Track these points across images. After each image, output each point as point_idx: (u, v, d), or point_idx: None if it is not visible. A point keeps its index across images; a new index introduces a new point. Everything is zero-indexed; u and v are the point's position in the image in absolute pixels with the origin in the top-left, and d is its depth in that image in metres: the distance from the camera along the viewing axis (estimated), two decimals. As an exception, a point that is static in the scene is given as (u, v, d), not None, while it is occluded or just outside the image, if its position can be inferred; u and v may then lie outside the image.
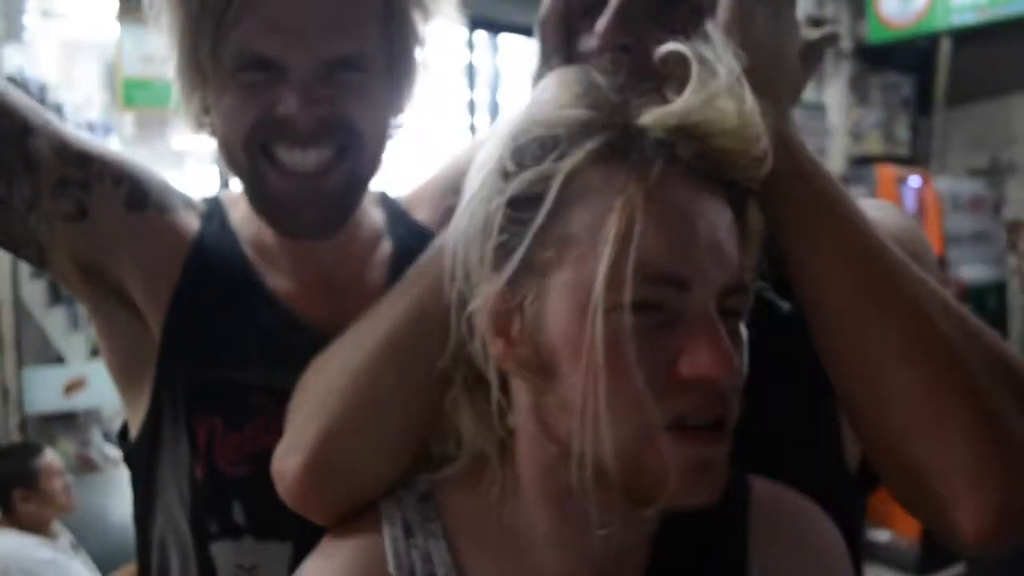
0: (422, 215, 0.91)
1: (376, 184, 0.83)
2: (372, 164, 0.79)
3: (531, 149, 0.50)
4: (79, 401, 3.42)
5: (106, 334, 0.84)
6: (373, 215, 0.88)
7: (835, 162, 4.38)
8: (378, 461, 0.61)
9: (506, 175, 0.50)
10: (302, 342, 0.73)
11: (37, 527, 2.35)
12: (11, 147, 0.74)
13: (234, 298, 0.81)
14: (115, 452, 3.77)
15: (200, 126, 0.79)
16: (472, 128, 3.69)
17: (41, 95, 3.60)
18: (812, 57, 0.67)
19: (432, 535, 0.57)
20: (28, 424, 3.35)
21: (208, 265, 0.81)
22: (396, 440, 0.61)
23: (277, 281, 0.82)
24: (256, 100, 0.73)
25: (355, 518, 0.60)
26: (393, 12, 0.76)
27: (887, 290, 0.55)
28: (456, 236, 0.55)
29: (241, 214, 0.84)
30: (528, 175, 0.49)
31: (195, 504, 0.77)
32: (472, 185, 0.53)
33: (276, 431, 0.71)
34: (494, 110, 3.68)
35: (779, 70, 0.59)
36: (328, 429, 0.60)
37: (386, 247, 0.87)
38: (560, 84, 0.53)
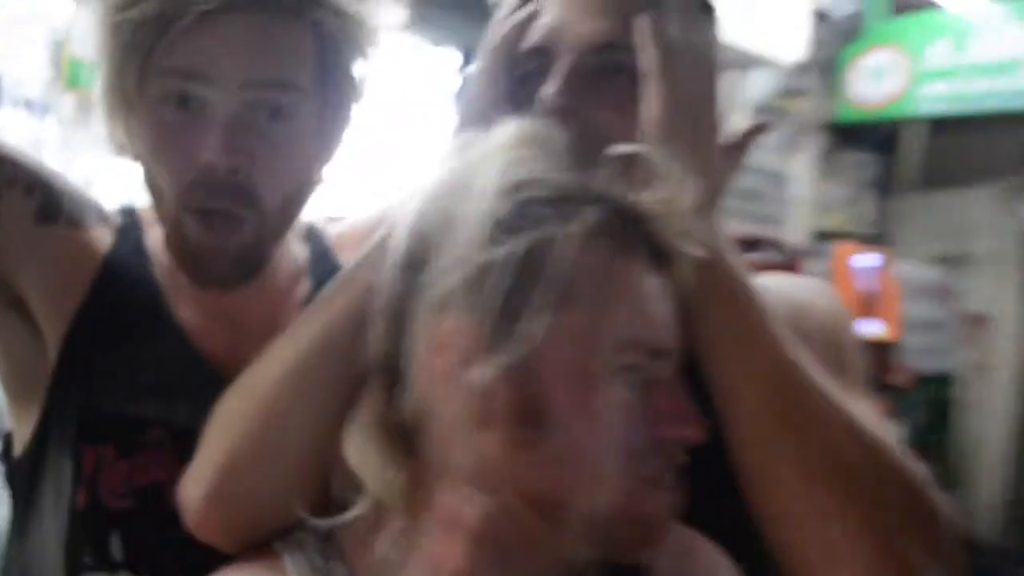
0: (348, 256, 0.88)
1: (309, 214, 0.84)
2: (284, 221, 0.79)
3: (533, 208, 0.52)
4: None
5: (1, 349, 0.81)
6: (296, 252, 0.87)
7: (796, 234, 4.34)
8: (282, 489, 0.60)
9: (508, 229, 0.51)
10: (203, 379, 0.74)
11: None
12: None
13: (139, 325, 0.80)
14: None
15: (121, 150, 0.78)
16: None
17: (-24, 64, 3.37)
18: (736, 152, 0.69)
19: None
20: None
21: (116, 287, 0.79)
22: (300, 467, 0.60)
23: (186, 313, 0.81)
24: (178, 141, 0.72)
25: (253, 558, 0.60)
26: (329, 66, 0.76)
27: (795, 415, 0.58)
28: (403, 274, 0.54)
29: (157, 236, 0.80)
30: (535, 234, 0.51)
31: (72, 532, 0.75)
32: (432, 221, 0.54)
33: (167, 466, 0.72)
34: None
35: (701, 161, 0.60)
36: (231, 455, 0.61)
37: (304, 287, 0.86)
38: (531, 140, 0.55)
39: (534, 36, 0.66)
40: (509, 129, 0.56)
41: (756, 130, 0.70)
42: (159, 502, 0.73)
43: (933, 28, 4.20)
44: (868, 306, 3.84)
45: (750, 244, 3.30)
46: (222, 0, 0.69)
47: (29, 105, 3.90)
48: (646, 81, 0.61)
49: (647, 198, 0.54)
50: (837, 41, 4.40)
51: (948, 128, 4.53)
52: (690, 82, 0.62)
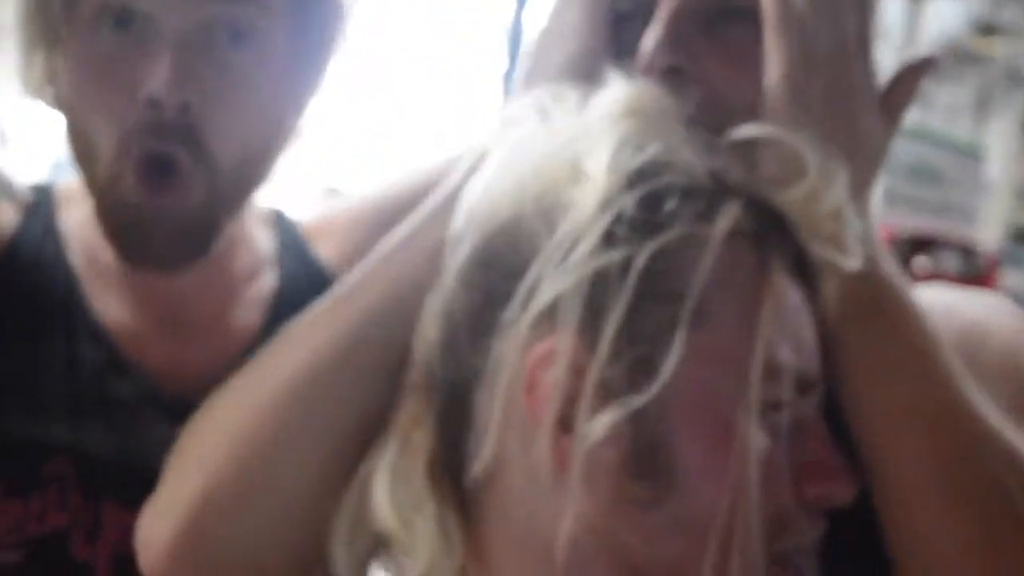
0: (327, 248, 0.78)
1: (284, 198, 0.81)
2: (253, 176, 0.69)
3: (661, 201, 0.44)
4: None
5: None
6: (259, 239, 0.77)
7: (988, 229, 3.41)
8: (272, 535, 0.51)
9: (632, 227, 0.43)
10: (126, 393, 0.67)
11: None
12: None
13: (46, 324, 0.69)
14: None
15: (39, 93, 0.69)
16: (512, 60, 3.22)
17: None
18: (897, 102, 0.56)
19: None
20: None
21: (19, 276, 0.70)
22: (299, 509, 0.51)
23: (108, 309, 0.71)
24: (118, 76, 0.64)
25: None
26: (303, 6, 0.68)
27: (964, 474, 0.49)
28: (479, 276, 0.46)
29: (78, 216, 0.71)
30: (666, 235, 0.43)
31: None
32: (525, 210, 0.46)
33: (71, 509, 0.66)
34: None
35: (852, 128, 0.52)
36: (210, 487, 0.51)
37: (268, 282, 0.75)
38: (646, 110, 0.47)
39: None
40: (615, 94, 0.47)
41: (924, 66, 0.57)
42: (58, 557, 0.65)
43: None
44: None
45: (921, 245, 2.62)
46: None
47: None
48: (767, 29, 0.52)
49: (788, 194, 0.47)
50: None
51: None
52: (825, 26, 0.51)
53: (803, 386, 0.43)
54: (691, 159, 0.45)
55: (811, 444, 0.43)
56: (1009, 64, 3.49)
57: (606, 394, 0.41)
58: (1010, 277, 3.11)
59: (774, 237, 0.44)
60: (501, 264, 0.44)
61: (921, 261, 2.75)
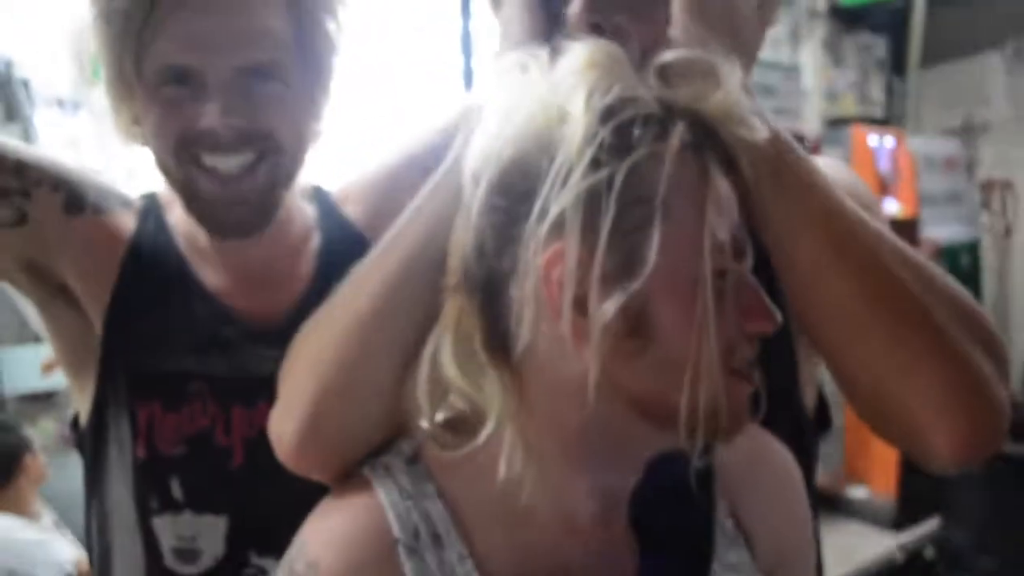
0: (353, 209, 0.94)
1: (312, 176, 0.90)
2: (292, 167, 0.84)
3: (629, 129, 0.52)
4: (57, 380, 3.40)
5: (53, 329, 0.89)
6: (304, 210, 0.93)
7: (810, 124, 4.38)
8: (375, 416, 0.62)
9: (610, 151, 0.52)
10: (233, 333, 0.82)
11: (21, 507, 2.35)
12: None
13: (170, 293, 0.86)
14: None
15: (131, 137, 0.83)
16: (467, 71, 3.60)
17: (7, 70, 3.52)
18: (766, 11, 0.71)
19: (427, 496, 0.59)
20: (7, 404, 3.32)
21: (145, 263, 0.86)
22: (389, 397, 0.62)
23: (210, 277, 0.87)
24: (179, 113, 0.77)
25: (346, 484, 0.62)
26: (303, 22, 0.81)
27: (850, 245, 0.60)
28: (501, 201, 0.55)
29: (177, 213, 0.88)
30: (635, 155, 0.51)
31: (137, 483, 0.83)
32: (525, 147, 0.54)
33: (211, 414, 0.81)
34: (468, 75, 3.63)
35: (738, 38, 0.63)
36: (322, 389, 0.62)
37: (315, 241, 0.91)
38: (603, 61, 0.55)
39: None
40: (579, 52, 0.56)
41: None
42: (208, 446, 0.83)
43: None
44: (885, 186, 3.90)
45: None
46: None
47: (61, 104, 4.06)
48: None
49: (711, 104, 0.55)
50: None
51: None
52: None
53: (738, 253, 0.55)
54: (643, 93, 0.54)
55: (747, 293, 0.56)
56: (809, 4, 4.49)
57: (606, 280, 0.51)
58: (828, 152, 4.04)
59: (708, 144, 0.55)
60: (515, 191, 0.54)
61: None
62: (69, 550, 2.35)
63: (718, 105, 0.55)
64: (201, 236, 0.87)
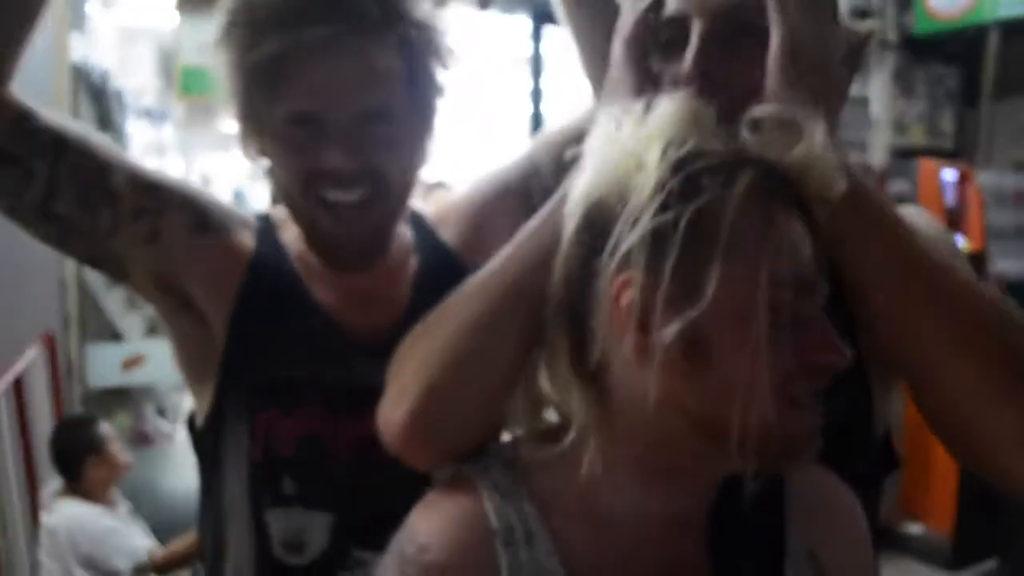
0: (448, 233, 0.99)
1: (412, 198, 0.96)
2: (400, 202, 0.91)
3: (697, 177, 0.58)
4: (136, 377, 3.58)
5: (177, 337, 0.95)
6: (403, 234, 0.98)
7: (877, 155, 4.37)
8: (475, 415, 0.68)
9: (679, 197, 0.57)
10: (342, 345, 0.88)
11: (99, 495, 2.49)
12: (94, 183, 0.86)
13: (286, 308, 0.91)
14: (168, 427, 3.93)
15: (255, 163, 0.91)
16: (536, 117, 3.73)
17: (103, 82, 3.74)
18: (853, 60, 0.75)
19: (521, 496, 0.65)
20: (89, 398, 3.51)
21: (263, 280, 0.92)
22: (491, 398, 0.68)
23: (321, 294, 0.92)
24: (305, 153, 0.84)
25: (450, 481, 0.68)
26: (415, 71, 0.87)
27: (935, 291, 0.65)
28: (584, 238, 0.61)
29: (290, 234, 0.94)
30: (701, 200, 0.57)
31: (252, 479, 0.89)
32: (607, 203, 0.60)
33: (321, 418, 0.86)
34: (537, 97, 3.73)
35: (828, 86, 0.68)
36: (431, 384, 0.67)
37: (413, 264, 0.96)
38: (686, 117, 0.61)
39: (671, 6, 0.73)
40: (664, 108, 0.61)
41: (866, 39, 0.76)
42: (318, 448, 0.88)
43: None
44: (952, 220, 3.85)
45: None
46: (326, 36, 0.80)
47: (149, 114, 4.29)
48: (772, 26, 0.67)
49: (790, 157, 0.59)
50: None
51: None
52: (807, 19, 0.67)
53: (804, 289, 0.58)
54: (717, 145, 0.59)
55: (812, 327, 0.58)
56: (878, 36, 4.46)
57: (668, 307, 0.56)
58: (894, 184, 4.01)
59: (776, 190, 0.59)
60: (596, 229, 0.60)
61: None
62: (142, 539, 2.48)
63: (798, 158, 0.59)
64: (313, 256, 0.93)
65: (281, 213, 0.96)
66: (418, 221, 1.00)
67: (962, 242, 3.89)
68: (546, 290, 0.64)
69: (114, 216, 0.87)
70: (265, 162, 0.90)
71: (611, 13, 0.78)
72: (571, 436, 0.64)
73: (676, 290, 0.56)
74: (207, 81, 3.25)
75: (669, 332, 0.56)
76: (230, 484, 0.91)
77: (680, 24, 0.71)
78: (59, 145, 0.84)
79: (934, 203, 3.84)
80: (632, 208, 0.58)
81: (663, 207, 0.57)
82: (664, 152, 0.58)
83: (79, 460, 2.45)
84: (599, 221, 0.60)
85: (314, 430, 0.88)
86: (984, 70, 4.58)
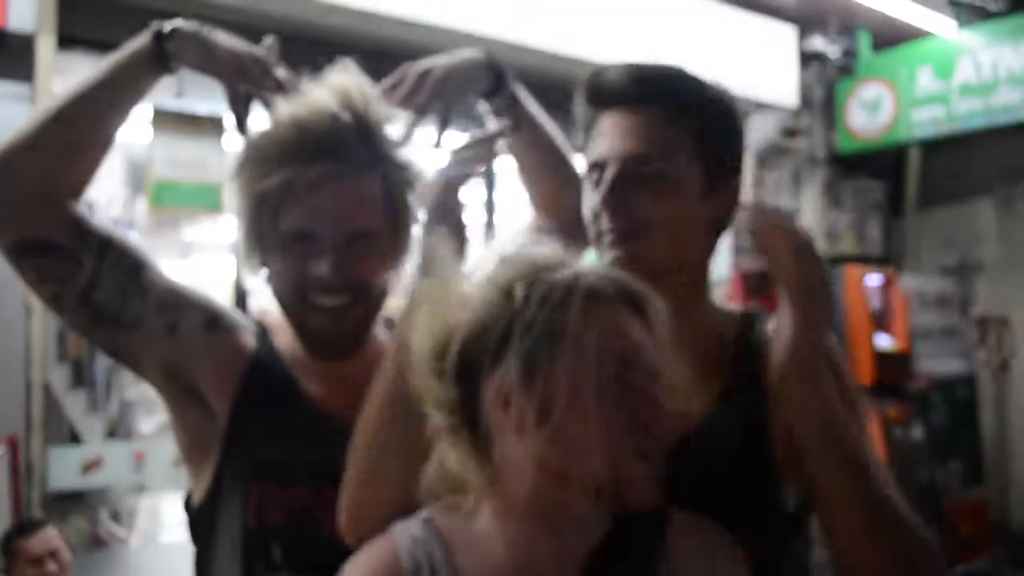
0: None
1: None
2: (377, 306, 1.05)
3: (542, 300, 0.73)
4: (94, 480, 3.56)
5: (179, 422, 1.06)
6: (380, 335, 1.11)
7: None
8: (389, 495, 0.83)
9: (524, 308, 0.73)
10: (328, 431, 0.96)
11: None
12: (130, 278, 1.01)
13: (280, 400, 1.03)
14: (122, 531, 3.88)
15: (256, 273, 1.05)
16: (489, 226, 3.91)
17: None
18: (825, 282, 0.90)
19: (431, 543, 0.78)
20: (47, 501, 3.48)
21: (262, 374, 1.04)
22: (400, 480, 0.81)
23: (311, 388, 1.05)
24: (300, 265, 0.98)
25: (379, 537, 0.80)
26: (394, 201, 1.04)
27: (851, 462, 0.84)
28: (465, 368, 0.76)
29: (283, 338, 1.08)
30: (545, 312, 0.72)
31: (245, 548, 0.98)
32: (473, 307, 0.76)
33: (309, 492, 0.96)
34: (491, 209, 3.92)
35: (828, 308, 0.86)
36: (354, 481, 0.84)
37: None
38: (525, 257, 0.78)
39: (592, 154, 0.95)
40: (509, 256, 0.79)
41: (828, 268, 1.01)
42: (305, 518, 0.98)
43: (917, 58, 4.42)
44: (879, 322, 4.09)
45: (765, 276, 3.50)
46: (324, 173, 0.96)
47: (116, 222, 4.40)
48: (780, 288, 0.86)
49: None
50: (832, 80, 4.67)
51: (944, 148, 4.79)
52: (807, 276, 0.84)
53: (629, 365, 0.73)
54: (554, 273, 0.75)
55: (639, 391, 0.73)
56: (808, 154, 4.65)
57: (519, 389, 0.72)
58: None
59: (606, 306, 0.75)
60: (471, 363, 0.75)
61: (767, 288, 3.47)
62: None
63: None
64: (303, 357, 1.06)
65: (270, 319, 1.09)
66: (392, 325, 1.12)
67: (889, 342, 4.09)
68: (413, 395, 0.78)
69: (142, 307, 1.00)
70: (264, 271, 1.03)
71: (549, 173, 1.09)
72: (472, 497, 0.78)
73: (527, 376, 0.71)
74: (178, 194, 3.29)
75: (521, 405, 0.71)
76: (223, 552, 1.00)
77: (599, 167, 0.93)
78: (105, 244, 0.99)
79: (859, 306, 4.06)
80: (497, 332, 0.74)
81: (521, 332, 0.72)
82: (513, 286, 0.74)
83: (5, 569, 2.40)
84: (475, 355, 0.75)
85: (302, 502, 0.98)
86: (907, 183, 4.91)
